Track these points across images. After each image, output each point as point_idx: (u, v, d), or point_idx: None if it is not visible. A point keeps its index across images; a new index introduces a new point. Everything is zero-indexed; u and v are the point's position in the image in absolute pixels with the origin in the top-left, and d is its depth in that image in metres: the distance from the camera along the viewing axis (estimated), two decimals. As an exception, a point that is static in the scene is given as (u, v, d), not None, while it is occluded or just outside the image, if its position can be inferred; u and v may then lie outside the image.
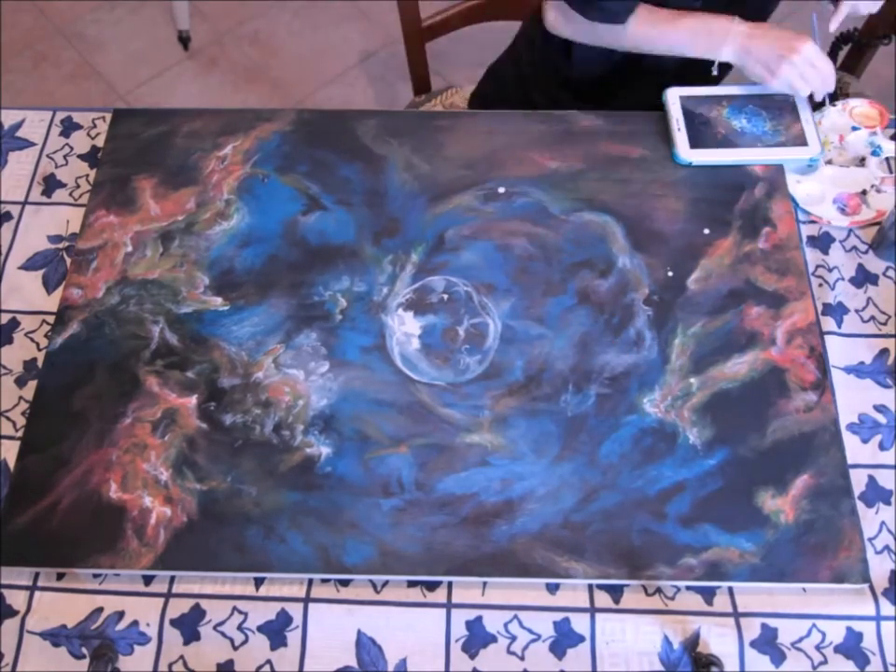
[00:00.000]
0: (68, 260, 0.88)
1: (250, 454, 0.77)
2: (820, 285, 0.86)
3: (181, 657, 0.71)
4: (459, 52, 1.64)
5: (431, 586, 0.73)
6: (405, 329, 0.83)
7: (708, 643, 0.70)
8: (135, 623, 0.72)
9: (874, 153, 0.93)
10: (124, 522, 0.74)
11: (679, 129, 0.92)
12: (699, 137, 0.91)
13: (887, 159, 0.93)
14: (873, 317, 0.85)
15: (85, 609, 0.72)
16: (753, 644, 0.70)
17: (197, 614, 0.72)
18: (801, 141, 0.91)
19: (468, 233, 0.88)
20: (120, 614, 0.72)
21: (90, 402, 0.79)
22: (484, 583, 0.73)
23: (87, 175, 0.94)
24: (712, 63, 0.92)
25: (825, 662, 0.70)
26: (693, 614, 0.71)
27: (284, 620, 0.72)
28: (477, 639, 0.71)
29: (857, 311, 0.85)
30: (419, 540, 0.73)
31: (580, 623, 0.71)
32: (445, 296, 0.85)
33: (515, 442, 0.77)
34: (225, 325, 0.83)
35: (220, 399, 0.79)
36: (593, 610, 0.72)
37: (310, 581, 0.73)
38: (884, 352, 0.83)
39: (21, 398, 0.81)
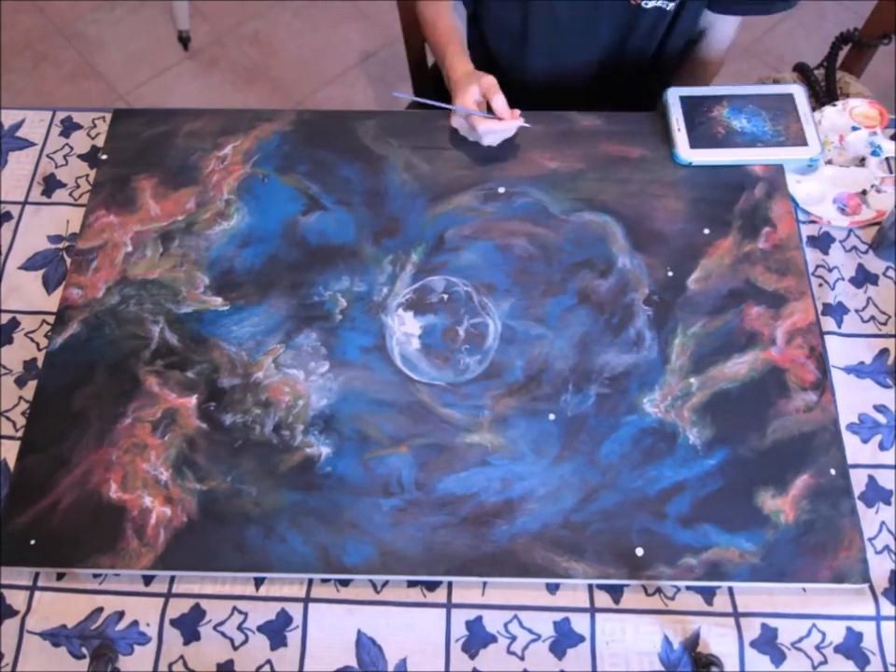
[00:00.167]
0: (68, 260, 0.88)
1: (250, 454, 0.77)
2: (820, 285, 0.86)
3: (181, 657, 0.71)
4: (459, 52, 1.64)
5: (431, 586, 0.73)
6: (405, 329, 0.83)
7: (708, 643, 0.70)
8: (135, 622, 0.72)
9: (874, 153, 0.93)
10: (124, 522, 0.74)
11: (678, 129, 0.92)
12: (699, 137, 0.91)
13: (887, 159, 0.93)
14: (873, 317, 0.85)
15: (85, 609, 0.72)
16: (753, 644, 0.70)
17: (197, 614, 0.72)
18: (801, 141, 0.91)
19: (468, 233, 0.88)
20: (120, 614, 0.72)
21: (90, 402, 0.79)
22: (484, 583, 0.73)
23: (87, 175, 0.94)
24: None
25: (825, 662, 0.70)
26: (692, 614, 0.71)
27: (284, 620, 0.72)
28: (477, 639, 0.71)
29: (857, 311, 0.85)
30: (419, 540, 0.73)
31: (580, 623, 0.71)
32: (445, 296, 0.85)
33: (515, 442, 0.77)
34: (225, 325, 0.83)
35: (220, 399, 0.79)
36: (593, 610, 0.72)
37: (310, 581, 0.73)
38: (884, 352, 0.83)
39: (21, 398, 0.81)
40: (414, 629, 0.71)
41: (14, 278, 0.88)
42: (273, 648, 0.71)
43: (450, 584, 0.73)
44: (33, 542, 0.73)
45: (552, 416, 0.78)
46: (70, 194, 0.93)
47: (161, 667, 0.70)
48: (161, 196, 0.91)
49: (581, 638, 0.71)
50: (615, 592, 0.72)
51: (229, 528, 0.73)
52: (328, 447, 0.77)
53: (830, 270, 0.87)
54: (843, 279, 0.86)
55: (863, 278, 0.87)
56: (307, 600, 0.72)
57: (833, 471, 0.75)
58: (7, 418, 0.80)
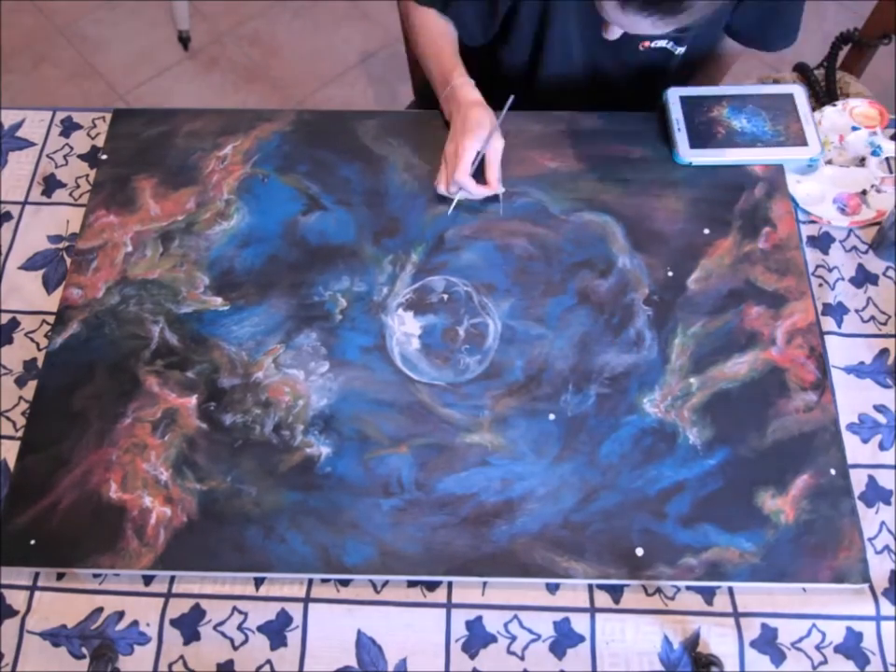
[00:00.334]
0: (68, 260, 0.88)
1: (250, 454, 0.77)
2: (820, 285, 0.86)
3: (181, 657, 0.71)
4: (459, 52, 1.64)
5: (431, 586, 0.73)
6: (405, 329, 0.83)
7: (708, 643, 0.70)
8: (135, 623, 0.72)
9: (874, 153, 0.93)
10: (124, 522, 0.74)
11: (679, 129, 0.92)
12: (699, 137, 0.91)
13: (887, 159, 0.93)
14: (873, 317, 0.85)
15: (85, 609, 0.72)
16: (753, 644, 0.70)
17: (197, 614, 0.72)
18: (801, 141, 0.91)
19: (468, 233, 0.88)
20: (120, 614, 0.72)
21: (90, 402, 0.79)
22: (484, 583, 0.73)
23: (87, 175, 0.94)
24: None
25: (825, 662, 0.70)
26: (693, 614, 0.71)
27: (284, 620, 0.72)
28: (477, 639, 0.71)
29: (857, 311, 0.85)
30: (419, 540, 0.73)
31: (580, 623, 0.71)
32: (445, 296, 0.85)
33: (515, 442, 0.77)
34: (225, 325, 0.83)
35: (220, 399, 0.79)
36: (593, 610, 0.72)
37: (310, 581, 0.73)
38: (884, 352, 0.83)
39: (21, 398, 0.81)
40: (414, 629, 0.71)
41: (14, 278, 0.88)
42: (273, 648, 0.71)
43: (450, 584, 0.73)
44: (33, 542, 0.73)
45: (552, 416, 0.78)
46: (70, 194, 0.93)
47: (161, 667, 0.70)
48: (161, 196, 0.91)
49: (581, 638, 0.71)
50: (615, 592, 0.72)
51: (229, 528, 0.73)
52: (328, 447, 0.77)
53: (830, 270, 0.87)
54: (843, 279, 0.86)
55: (863, 278, 0.87)
56: (307, 600, 0.72)
57: (833, 471, 0.75)
58: (7, 418, 0.80)
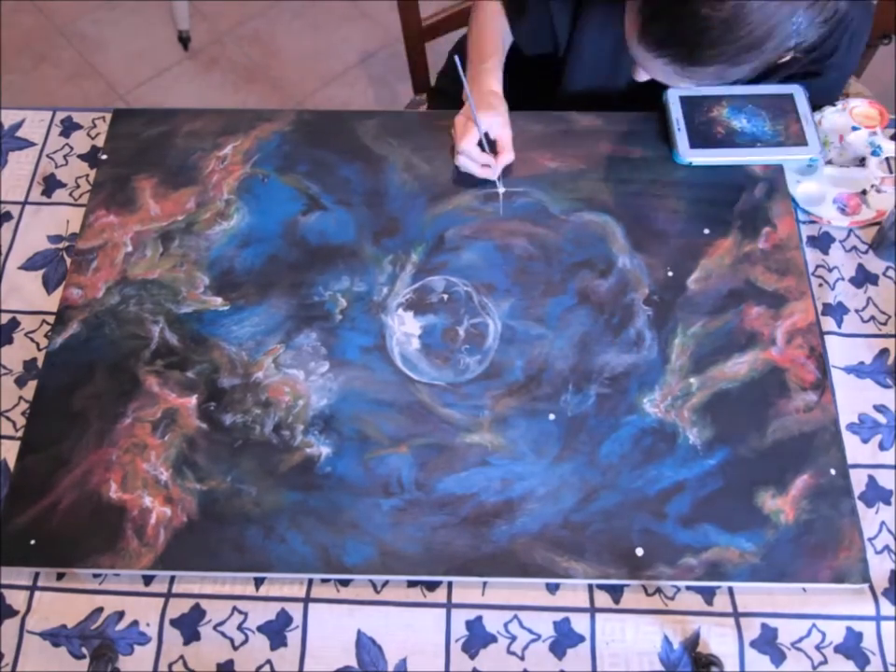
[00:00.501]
0: (68, 260, 0.88)
1: (250, 454, 0.77)
2: (820, 285, 0.86)
3: (181, 657, 0.71)
4: (459, 52, 1.64)
5: (431, 586, 0.73)
6: (405, 329, 0.83)
7: (708, 643, 0.70)
8: (135, 623, 0.72)
9: (874, 153, 0.93)
10: (124, 522, 0.74)
11: (679, 129, 0.91)
12: (699, 137, 0.91)
13: (887, 159, 0.93)
14: (873, 317, 0.85)
15: (85, 608, 0.72)
16: (753, 644, 0.70)
17: (197, 614, 0.72)
18: (801, 141, 0.91)
19: (468, 233, 0.88)
20: (120, 614, 0.72)
21: (90, 402, 0.79)
22: (484, 583, 0.73)
23: (87, 175, 0.94)
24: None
25: (825, 662, 0.70)
26: (693, 614, 0.71)
27: (284, 620, 0.72)
28: (477, 639, 0.71)
29: (857, 311, 0.85)
30: (419, 540, 0.73)
31: (580, 623, 0.71)
32: (445, 296, 0.84)
33: (515, 442, 0.77)
34: (225, 325, 0.83)
35: (220, 399, 0.79)
36: (593, 610, 0.72)
37: (310, 581, 0.73)
38: (884, 352, 0.83)
39: (21, 398, 0.81)
40: (414, 629, 0.71)
41: (14, 278, 0.88)
42: (273, 648, 0.71)
43: (450, 584, 0.73)
44: (33, 542, 0.73)
45: (552, 416, 0.78)
46: (70, 194, 0.93)
47: (161, 667, 0.70)
48: (161, 196, 0.91)
49: (581, 638, 0.71)
50: (615, 592, 0.72)
51: (229, 528, 0.73)
52: (328, 447, 0.77)
53: (830, 270, 0.87)
54: (843, 279, 0.86)
55: (863, 278, 0.87)
56: (307, 600, 0.72)
57: (833, 471, 0.75)
58: (7, 418, 0.80)
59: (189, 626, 0.72)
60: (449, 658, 0.70)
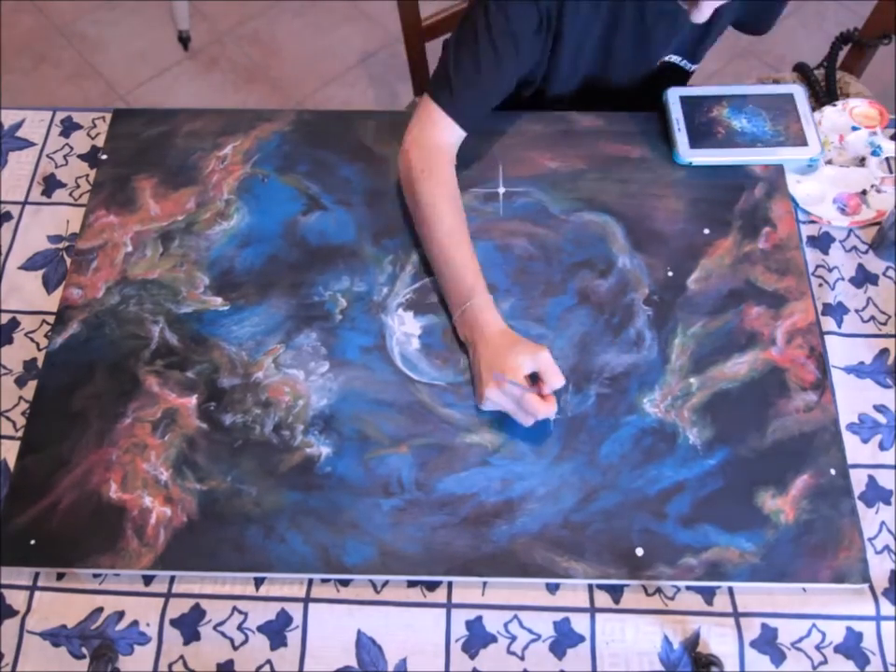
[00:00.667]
0: (68, 260, 0.88)
1: (250, 454, 0.77)
2: (820, 285, 0.86)
3: (181, 657, 0.71)
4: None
5: (431, 586, 0.73)
6: (405, 329, 0.83)
7: (708, 643, 0.70)
8: (135, 623, 0.72)
9: (874, 153, 0.93)
10: (124, 522, 0.74)
11: (679, 129, 0.92)
12: (699, 137, 0.91)
13: (887, 159, 0.93)
14: (873, 317, 0.85)
15: (85, 608, 0.72)
16: (753, 644, 0.70)
17: (197, 614, 0.72)
18: (801, 141, 0.91)
19: (468, 233, 0.88)
20: (120, 614, 0.72)
21: (90, 402, 0.79)
22: (484, 583, 0.73)
23: (87, 175, 0.94)
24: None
25: (825, 662, 0.70)
26: (693, 614, 0.71)
27: (284, 620, 0.72)
28: (477, 639, 0.71)
29: (857, 311, 0.85)
30: (419, 540, 0.73)
31: (580, 623, 0.71)
32: (445, 296, 0.84)
33: (515, 442, 0.77)
34: (225, 325, 0.83)
35: (220, 399, 0.79)
36: (593, 610, 0.72)
37: (310, 581, 0.73)
38: (884, 352, 0.83)
39: (21, 398, 0.81)
40: (414, 629, 0.71)
41: (14, 278, 0.88)
42: (273, 648, 0.71)
43: (450, 584, 0.73)
44: (33, 542, 0.73)
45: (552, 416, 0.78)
46: (70, 194, 0.93)
47: (161, 667, 0.70)
48: (161, 196, 0.91)
49: (581, 638, 0.71)
50: (615, 592, 0.72)
51: (229, 528, 0.73)
52: (328, 447, 0.77)
53: (830, 270, 0.87)
54: (843, 279, 0.86)
55: (863, 278, 0.87)
56: (307, 600, 0.72)
57: (833, 471, 0.75)
58: (7, 418, 0.80)
59: (189, 626, 0.72)
60: (449, 658, 0.70)
